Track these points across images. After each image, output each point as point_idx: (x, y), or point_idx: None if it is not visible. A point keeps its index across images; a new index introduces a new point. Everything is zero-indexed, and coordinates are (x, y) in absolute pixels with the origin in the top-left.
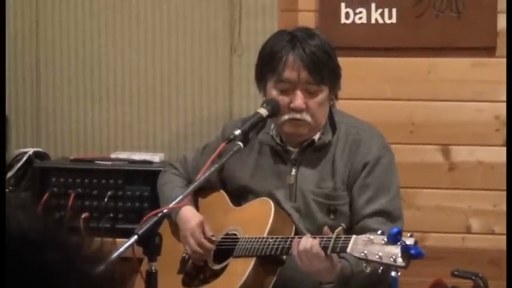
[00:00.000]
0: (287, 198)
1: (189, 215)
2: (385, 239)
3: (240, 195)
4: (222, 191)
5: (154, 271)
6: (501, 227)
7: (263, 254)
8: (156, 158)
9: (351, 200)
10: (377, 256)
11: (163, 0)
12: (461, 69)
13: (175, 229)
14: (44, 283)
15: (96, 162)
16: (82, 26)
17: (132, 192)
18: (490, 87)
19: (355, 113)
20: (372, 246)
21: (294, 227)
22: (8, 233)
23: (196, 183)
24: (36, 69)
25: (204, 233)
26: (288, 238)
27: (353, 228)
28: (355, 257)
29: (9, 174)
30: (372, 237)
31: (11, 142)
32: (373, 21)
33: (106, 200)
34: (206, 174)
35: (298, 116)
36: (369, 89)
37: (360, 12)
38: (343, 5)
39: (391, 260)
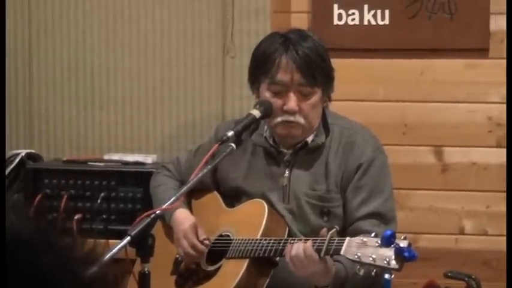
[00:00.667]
0: (280, 199)
1: (182, 217)
2: (379, 242)
3: (233, 197)
4: (215, 192)
5: (147, 272)
6: (494, 229)
7: (256, 256)
8: (149, 159)
9: (344, 202)
10: (370, 258)
11: (155, 1)
12: (454, 70)
13: (169, 230)
14: (37, 285)
15: (89, 163)
16: (74, 27)
17: (125, 193)
18: (483, 88)
19: (348, 114)
20: (365, 249)
21: (287, 229)
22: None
23: (189, 184)
24: (29, 70)
25: (197, 235)
26: (282, 240)
27: (346, 230)
28: (349, 259)
29: None
30: (365, 239)
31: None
32: (365, 22)
33: (99, 201)
34: (199, 175)
35: (291, 118)
36: (361, 91)
37: (353, 14)
38: (335, 6)
39: (385, 262)
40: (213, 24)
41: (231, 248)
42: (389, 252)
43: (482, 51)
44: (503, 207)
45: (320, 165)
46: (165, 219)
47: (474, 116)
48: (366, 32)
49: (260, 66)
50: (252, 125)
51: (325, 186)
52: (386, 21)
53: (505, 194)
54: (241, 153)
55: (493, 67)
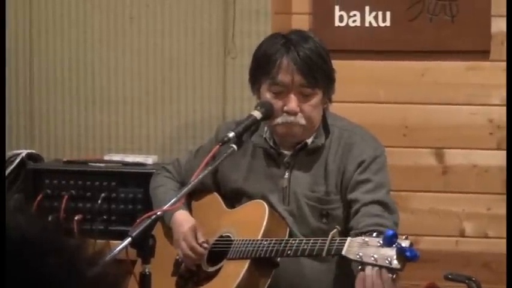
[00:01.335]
0: (280, 201)
1: (182, 219)
2: (381, 241)
3: (233, 198)
4: (215, 194)
5: (148, 273)
6: (495, 231)
7: (257, 256)
8: (150, 160)
9: (347, 197)
10: (372, 258)
11: (157, 2)
12: (455, 72)
13: (169, 231)
14: (43, 285)
15: (89, 164)
16: (75, 27)
17: (126, 194)
18: (483, 90)
19: (349, 115)
20: (367, 249)
21: (288, 229)
22: (7, 235)
23: (190, 185)
24: (30, 70)
25: (196, 237)
26: (283, 240)
27: (352, 218)
28: (351, 259)
29: None
30: (367, 239)
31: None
32: (367, 24)
33: (99, 202)
34: (200, 176)
35: (291, 119)
36: (362, 92)
37: (354, 15)
38: (337, 8)
39: (387, 262)
40: (214, 25)
41: (231, 248)
42: (391, 252)
43: (483, 54)
44: (503, 210)
45: (319, 166)
46: (165, 221)
47: (475, 118)
48: (367, 34)
49: (261, 67)
50: (253, 126)
51: (324, 187)
52: (388, 23)
53: (505, 196)
54: (242, 155)
55: (494, 69)
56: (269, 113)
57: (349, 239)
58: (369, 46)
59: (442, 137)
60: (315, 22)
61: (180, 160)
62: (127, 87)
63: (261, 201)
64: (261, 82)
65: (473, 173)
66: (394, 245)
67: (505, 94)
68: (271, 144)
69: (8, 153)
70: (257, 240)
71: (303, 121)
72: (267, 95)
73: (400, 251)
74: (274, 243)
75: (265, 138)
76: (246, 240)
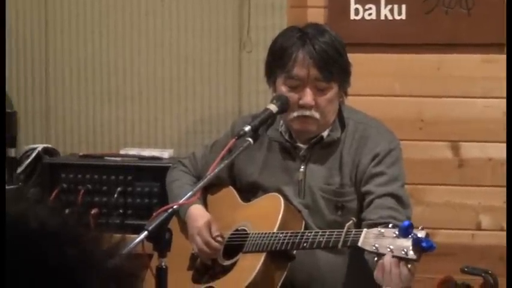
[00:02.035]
0: (296, 194)
1: (197, 214)
2: (396, 232)
3: (249, 191)
4: (230, 187)
5: (164, 267)
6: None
7: (273, 249)
8: (166, 154)
9: (361, 190)
10: (388, 249)
11: None
12: (471, 65)
13: (185, 226)
14: (63, 275)
15: (105, 158)
16: (91, 24)
17: (142, 188)
18: (499, 83)
19: (364, 109)
20: (383, 240)
21: (303, 222)
22: (27, 226)
23: (206, 179)
24: (46, 65)
25: (210, 232)
26: (298, 233)
27: (365, 210)
28: (367, 250)
29: (19, 170)
30: (383, 230)
31: (20, 138)
32: (382, 17)
33: (115, 196)
34: (216, 170)
35: (307, 112)
36: (378, 86)
37: (370, 9)
38: (352, 1)
39: (403, 252)
40: (229, 20)
41: (247, 242)
42: (407, 243)
43: (499, 46)
44: None
45: (335, 159)
46: (180, 215)
47: (491, 111)
48: (382, 27)
49: (277, 61)
50: (269, 119)
51: (339, 180)
52: (403, 16)
53: None
54: (257, 148)
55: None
56: (285, 107)
57: (365, 230)
58: (385, 39)
59: (458, 130)
60: (331, 15)
61: (196, 154)
62: (143, 82)
63: (277, 194)
64: (277, 76)
65: (489, 166)
66: (410, 236)
67: None
68: (287, 137)
69: (25, 148)
70: (273, 233)
71: (317, 115)
72: (283, 89)
73: (416, 242)
74: (290, 236)
75: (280, 132)
76: (262, 233)
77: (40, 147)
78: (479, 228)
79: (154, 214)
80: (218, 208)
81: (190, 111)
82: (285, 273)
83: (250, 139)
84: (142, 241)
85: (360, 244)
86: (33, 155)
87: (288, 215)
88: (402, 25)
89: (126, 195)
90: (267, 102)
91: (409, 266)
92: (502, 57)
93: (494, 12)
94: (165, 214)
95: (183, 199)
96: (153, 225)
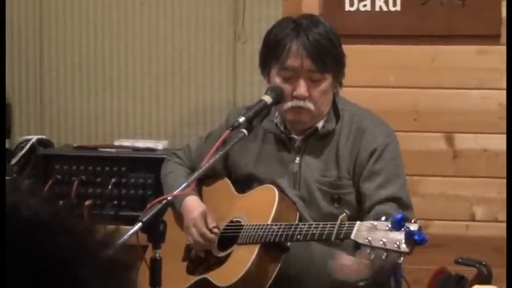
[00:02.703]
0: (291, 186)
1: (193, 205)
2: (389, 225)
3: (244, 183)
4: (225, 179)
5: (158, 258)
6: (505, 215)
7: (267, 241)
8: (160, 145)
9: (359, 188)
10: (381, 242)
11: None
12: (466, 57)
13: (180, 217)
14: (56, 265)
15: (99, 149)
16: (86, 15)
17: (136, 179)
18: (494, 75)
19: (359, 100)
20: (375, 232)
21: (298, 214)
22: (19, 216)
23: (200, 170)
24: (40, 56)
25: (206, 223)
26: (292, 225)
27: (365, 215)
28: (359, 243)
29: (13, 161)
30: (375, 223)
31: (14, 130)
32: (377, 8)
33: (110, 187)
34: (210, 161)
35: (301, 103)
36: (372, 77)
37: (364, 0)
38: None
39: (395, 246)
40: (224, 10)
41: (242, 233)
42: (399, 236)
43: (493, 38)
44: None
45: (331, 151)
46: (175, 207)
47: (485, 102)
48: (377, 18)
49: (271, 51)
50: (263, 111)
51: (336, 172)
52: (398, 7)
53: None
54: (252, 140)
55: (505, 53)
56: (279, 98)
57: (358, 223)
58: (379, 31)
59: (453, 122)
60: (325, 6)
61: (190, 146)
62: (138, 73)
63: (271, 185)
64: (271, 67)
65: (484, 157)
66: (402, 229)
67: None
68: (282, 129)
69: (19, 139)
70: (267, 225)
71: (311, 106)
72: (277, 80)
73: (409, 235)
74: (284, 228)
75: (275, 123)
76: (256, 225)
77: (34, 138)
78: (473, 219)
79: (148, 205)
80: (213, 199)
81: (184, 103)
82: (279, 265)
83: (244, 130)
84: (136, 232)
85: (352, 237)
86: (27, 146)
87: (282, 207)
88: (397, 16)
89: (120, 187)
90: (261, 94)
91: (401, 259)
92: (497, 48)
93: (488, 4)
94: (159, 205)
95: (178, 190)
96: (147, 216)
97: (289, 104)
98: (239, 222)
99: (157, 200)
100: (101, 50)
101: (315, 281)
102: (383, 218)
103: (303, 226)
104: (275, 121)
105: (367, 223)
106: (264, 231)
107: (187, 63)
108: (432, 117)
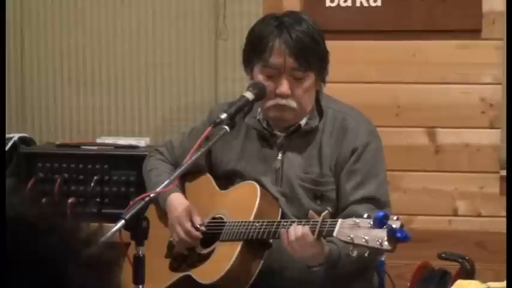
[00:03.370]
0: (273, 182)
1: (176, 202)
2: (371, 223)
3: (226, 179)
4: (208, 175)
5: (141, 255)
6: (487, 210)
7: (250, 238)
8: (142, 142)
9: (338, 186)
10: (363, 240)
11: None
12: (447, 51)
13: (162, 213)
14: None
15: (82, 147)
16: (66, 11)
17: (118, 176)
18: (475, 69)
19: (340, 96)
20: (358, 230)
21: (280, 211)
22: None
23: (183, 167)
24: (21, 54)
25: (191, 221)
26: (275, 222)
27: (340, 214)
28: (342, 240)
29: None
30: (358, 220)
31: None
32: (358, 4)
33: (92, 184)
34: (193, 158)
35: (283, 101)
36: (354, 72)
37: None
38: None
39: (378, 243)
40: (205, 7)
41: (224, 230)
42: (382, 233)
43: (474, 32)
44: (496, 188)
45: (313, 148)
46: (159, 204)
47: (467, 97)
48: (358, 14)
49: (254, 49)
50: (245, 107)
51: (318, 169)
52: (379, 3)
53: (498, 175)
54: (235, 136)
55: (486, 48)
56: (261, 94)
57: (340, 220)
58: (360, 26)
59: (434, 116)
60: (306, 2)
61: (172, 142)
62: (118, 69)
63: (253, 182)
64: (254, 64)
65: (466, 152)
66: (385, 227)
67: (496, 72)
68: (265, 125)
69: None
70: (249, 222)
71: (294, 104)
72: (260, 77)
73: (391, 233)
74: (266, 225)
75: (258, 120)
76: (239, 222)
77: (16, 136)
78: (455, 214)
79: (131, 203)
80: (195, 196)
81: (166, 100)
82: (262, 261)
83: (226, 127)
84: (119, 230)
85: (335, 234)
86: (9, 144)
87: (264, 204)
88: (378, 12)
89: (102, 184)
90: (243, 90)
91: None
92: (478, 43)
93: None
94: (142, 202)
95: (161, 187)
96: (130, 213)
97: (271, 102)
98: (221, 218)
99: (140, 197)
100: (81, 47)
101: (298, 276)
102: (365, 216)
103: (285, 223)
104: (258, 118)
105: (350, 220)
106: (247, 228)
107: (168, 60)
108: (414, 112)
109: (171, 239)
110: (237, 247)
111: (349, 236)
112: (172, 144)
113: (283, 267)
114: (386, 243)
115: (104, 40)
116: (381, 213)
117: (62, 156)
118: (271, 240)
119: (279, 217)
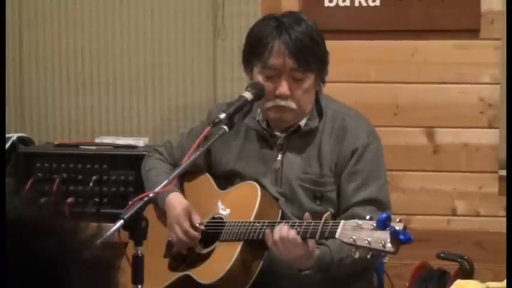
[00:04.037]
0: (273, 183)
1: (175, 202)
2: (374, 225)
3: (226, 179)
4: (207, 175)
5: (140, 255)
6: (486, 209)
7: (250, 238)
8: (141, 142)
9: (339, 187)
10: (366, 241)
11: None
12: (445, 51)
13: (161, 213)
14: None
15: (80, 147)
16: (64, 12)
17: (117, 176)
18: (473, 69)
19: (339, 96)
20: (360, 232)
21: (280, 211)
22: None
23: (182, 167)
24: (20, 55)
25: (190, 220)
26: (275, 222)
27: (340, 215)
28: (344, 242)
29: None
30: (360, 222)
31: None
32: (356, 4)
33: (91, 184)
34: (192, 158)
35: (282, 102)
36: (352, 72)
37: None
38: None
39: (380, 245)
40: (203, 7)
41: (224, 230)
42: (384, 235)
43: (473, 32)
44: (495, 188)
45: (313, 149)
46: (158, 204)
47: (465, 96)
48: (356, 14)
49: (253, 50)
50: (244, 107)
51: (318, 170)
52: (377, 3)
53: (496, 175)
54: (235, 136)
55: (484, 48)
56: (260, 94)
57: (342, 221)
58: (359, 26)
59: (433, 116)
60: (305, 2)
61: (171, 142)
62: (117, 69)
63: (253, 182)
64: (253, 65)
65: (464, 152)
66: (387, 228)
67: (494, 72)
68: (264, 126)
69: None
70: (249, 222)
71: (293, 105)
72: (259, 78)
73: (394, 235)
74: (267, 226)
75: (258, 121)
76: (239, 222)
77: (15, 136)
78: (454, 213)
79: (130, 202)
80: (195, 195)
81: (165, 100)
82: (262, 262)
83: (225, 127)
84: (118, 230)
85: (337, 236)
86: (8, 144)
87: (264, 204)
88: (376, 12)
89: (101, 184)
90: (241, 90)
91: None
92: (476, 43)
93: None
94: (141, 202)
95: (160, 187)
96: (129, 213)
97: (271, 103)
98: (221, 218)
99: (139, 197)
100: (80, 47)
101: (298, 276)
102: (368, 217)
103: (270, 230)
104: (257, 118)
105: (352, 222)
106: (247, 229)
107: (167, 60)
108: (412, 112)
109: (169, 238)
110: (237, 247)
111: (351, 238)
112: (171, 144)
113: (283, 267)
114: (389, 245)
115: (102, 40)
116: (384, 215)
117: (60, 156)
118: None
119: (279, 217)
